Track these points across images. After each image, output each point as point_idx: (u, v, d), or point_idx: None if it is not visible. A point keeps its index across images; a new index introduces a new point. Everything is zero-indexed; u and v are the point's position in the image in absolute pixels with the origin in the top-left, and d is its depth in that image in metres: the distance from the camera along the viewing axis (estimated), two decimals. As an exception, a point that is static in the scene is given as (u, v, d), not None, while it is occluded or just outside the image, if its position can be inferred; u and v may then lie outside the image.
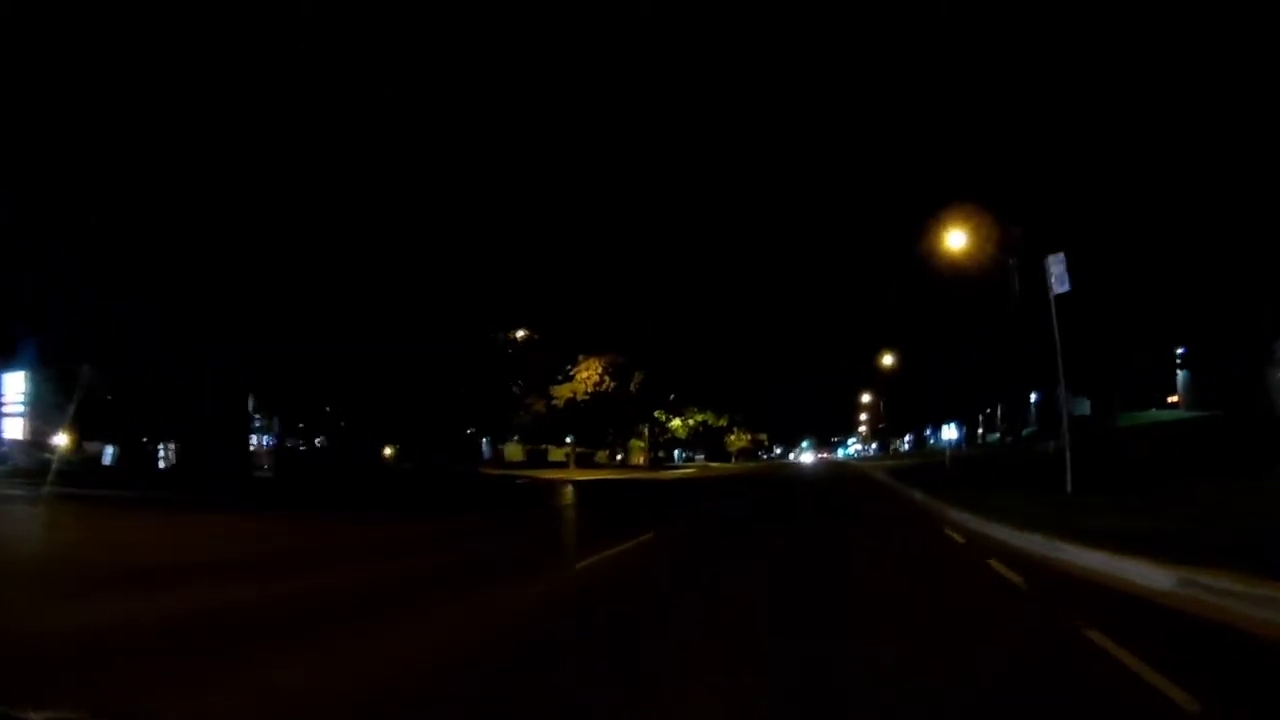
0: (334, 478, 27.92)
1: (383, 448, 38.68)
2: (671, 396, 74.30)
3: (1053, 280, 11.44)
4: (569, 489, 24.87)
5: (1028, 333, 31.70)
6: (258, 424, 35.82)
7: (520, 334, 39.42)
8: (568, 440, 68.00)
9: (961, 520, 11.40)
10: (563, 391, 43.66)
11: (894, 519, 14.22)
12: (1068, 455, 12.20)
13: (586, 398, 43.92)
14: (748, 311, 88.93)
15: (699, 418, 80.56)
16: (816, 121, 63.42)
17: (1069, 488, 11.99)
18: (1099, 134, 23.43)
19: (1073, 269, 12.05)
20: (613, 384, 44.47)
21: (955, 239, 26.29)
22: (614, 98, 45.72)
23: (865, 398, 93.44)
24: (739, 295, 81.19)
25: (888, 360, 64.98)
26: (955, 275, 33.83)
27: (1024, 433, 47.06)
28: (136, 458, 29.54)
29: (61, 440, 28.91)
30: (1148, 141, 21.69)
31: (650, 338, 46.91)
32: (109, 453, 31.73)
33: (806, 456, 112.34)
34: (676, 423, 78.03)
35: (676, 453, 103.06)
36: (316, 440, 39.05)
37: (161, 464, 30.50)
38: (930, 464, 30.65)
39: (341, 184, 23.53)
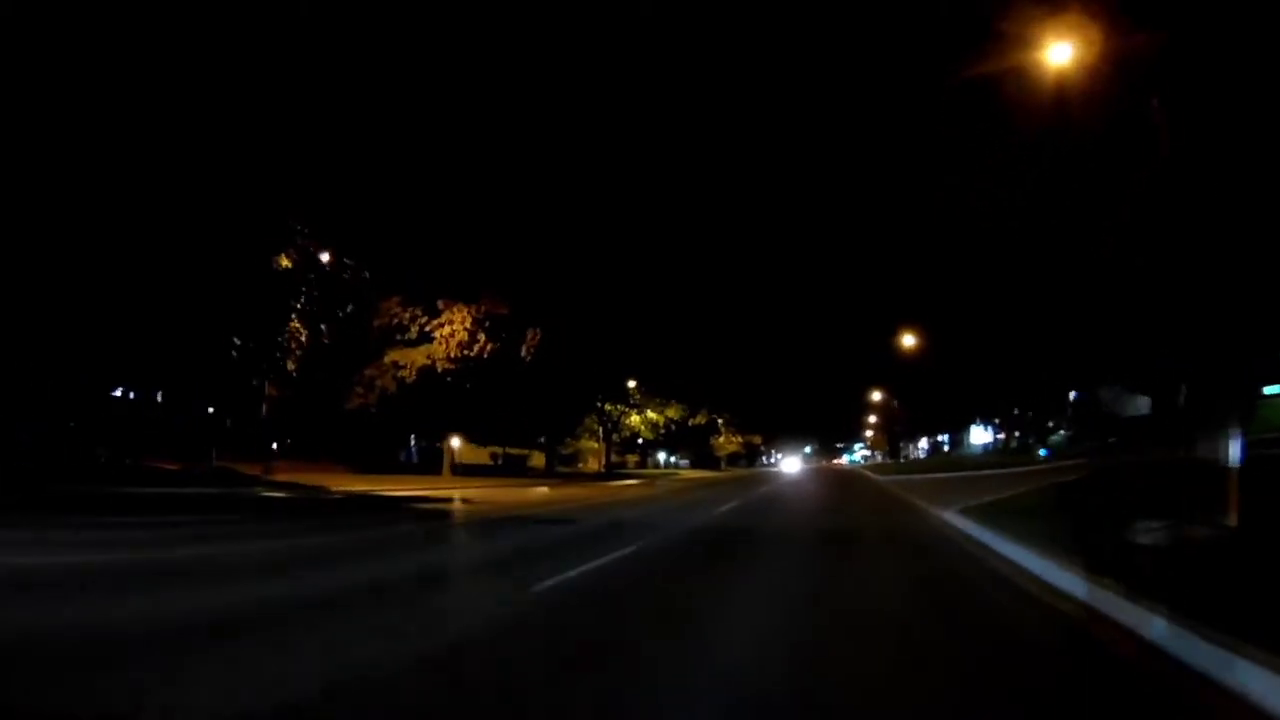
0: None
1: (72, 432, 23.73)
2: (631, 383, 58.52)
3: None
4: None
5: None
6: None
7: (324, 259, 23.99)
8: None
9: None
10: (413, 356, 28.10)
11: None
12: None
13: (450, 366, 28.29)
14: (733, 279, 71.97)
15: (668, 412, 64.19)
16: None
17: None
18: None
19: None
20: (491, 346, 28.72)
21: (1058, 53, 14.09)
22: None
23: (875, 395, 77.84)
24: (718, 253, 64.71)
25: (908, 341, 49.80)
26: (1039, 144, 20.22)
27: (1051, 440, 34.83)
28: None
29: None
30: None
31: (557, 278, 30.70)
32: None
33: (790, 464, 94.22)
34: (635, 418, 61.91)
35: (662, 456, 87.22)
36: None
37: None
38: (1034, 492, 14.02)
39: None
